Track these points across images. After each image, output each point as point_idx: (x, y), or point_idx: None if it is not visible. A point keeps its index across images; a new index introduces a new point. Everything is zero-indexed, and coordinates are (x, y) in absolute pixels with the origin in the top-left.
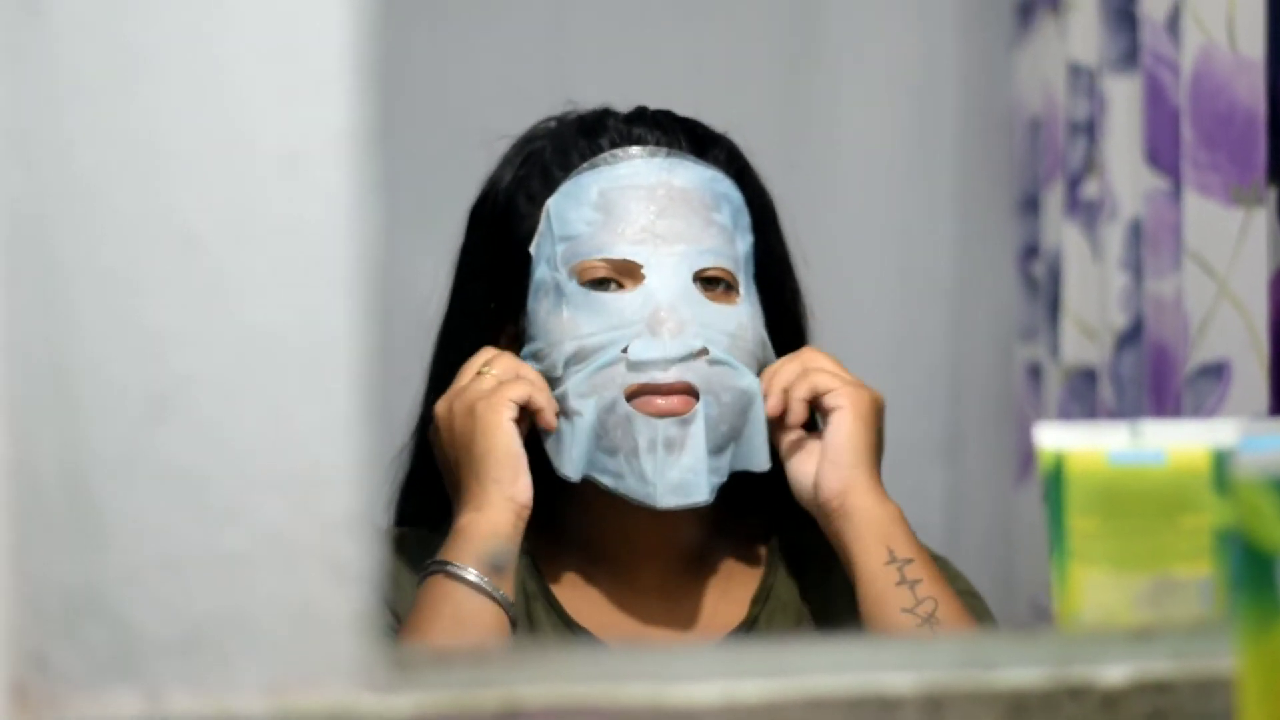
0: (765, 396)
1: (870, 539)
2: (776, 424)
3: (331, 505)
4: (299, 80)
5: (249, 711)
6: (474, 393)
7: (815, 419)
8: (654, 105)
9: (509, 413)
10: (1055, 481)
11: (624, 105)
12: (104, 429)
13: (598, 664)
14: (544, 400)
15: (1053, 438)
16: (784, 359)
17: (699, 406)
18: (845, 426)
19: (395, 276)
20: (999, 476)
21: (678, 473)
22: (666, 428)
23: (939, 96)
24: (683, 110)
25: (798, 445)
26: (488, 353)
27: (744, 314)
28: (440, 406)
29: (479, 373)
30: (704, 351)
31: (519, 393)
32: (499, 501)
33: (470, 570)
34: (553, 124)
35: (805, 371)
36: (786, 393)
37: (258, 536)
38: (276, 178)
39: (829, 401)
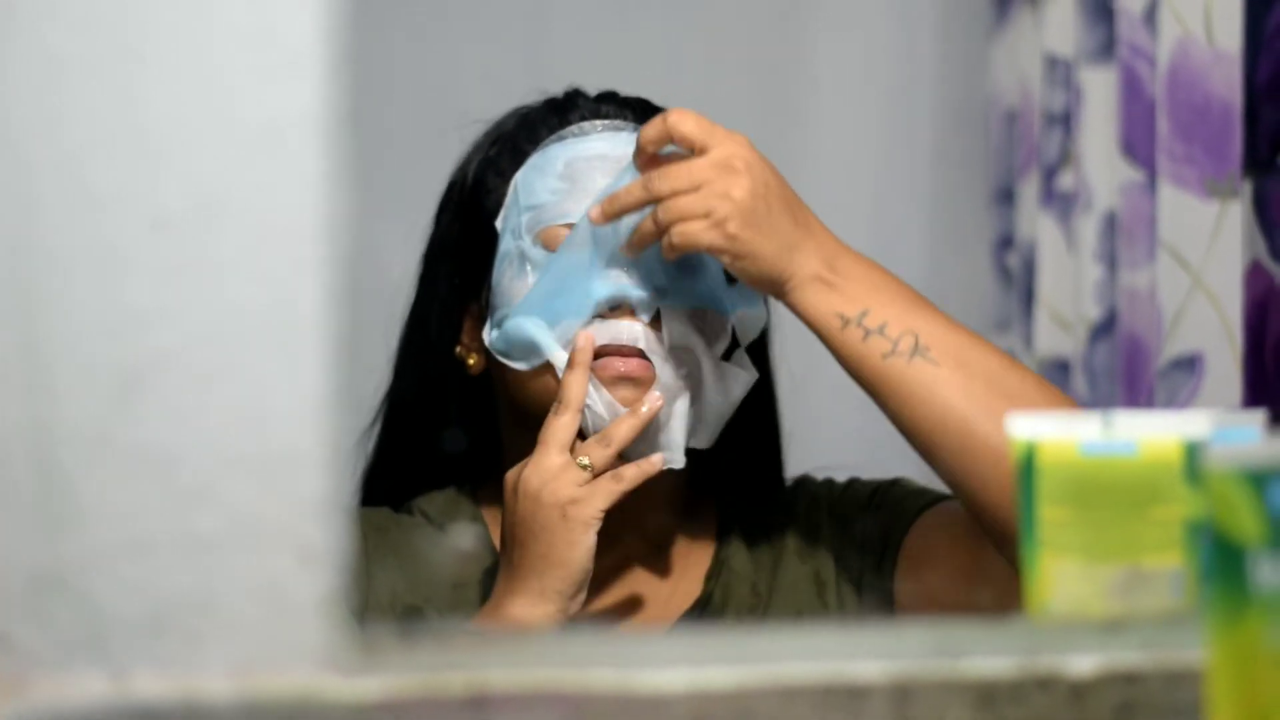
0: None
1: (817, 313)
2: None
3: (301, 488)
4: (273, 61)
5: (215, 693)
6: (567, 491)
7: None
8: (632, 94)
9: (596, 527)
10: (1026, 471)
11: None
12: (73, 408)
13: (565, 649)
14: (632, 477)
15: (1025, 428)
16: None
17: (655, 386)
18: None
19: (366, 261)
20: None
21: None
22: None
23: (915, 87)
24: (660, 100)
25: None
26: (567, 423)
27: (701, 282)
28: (529, 480)
29: (574, 457)
30: (660, 295)
31: (610, 498)
32: (551, 611)
33: None
34: (526, 109)
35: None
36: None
37: (226, 518)
38: (248, 156)
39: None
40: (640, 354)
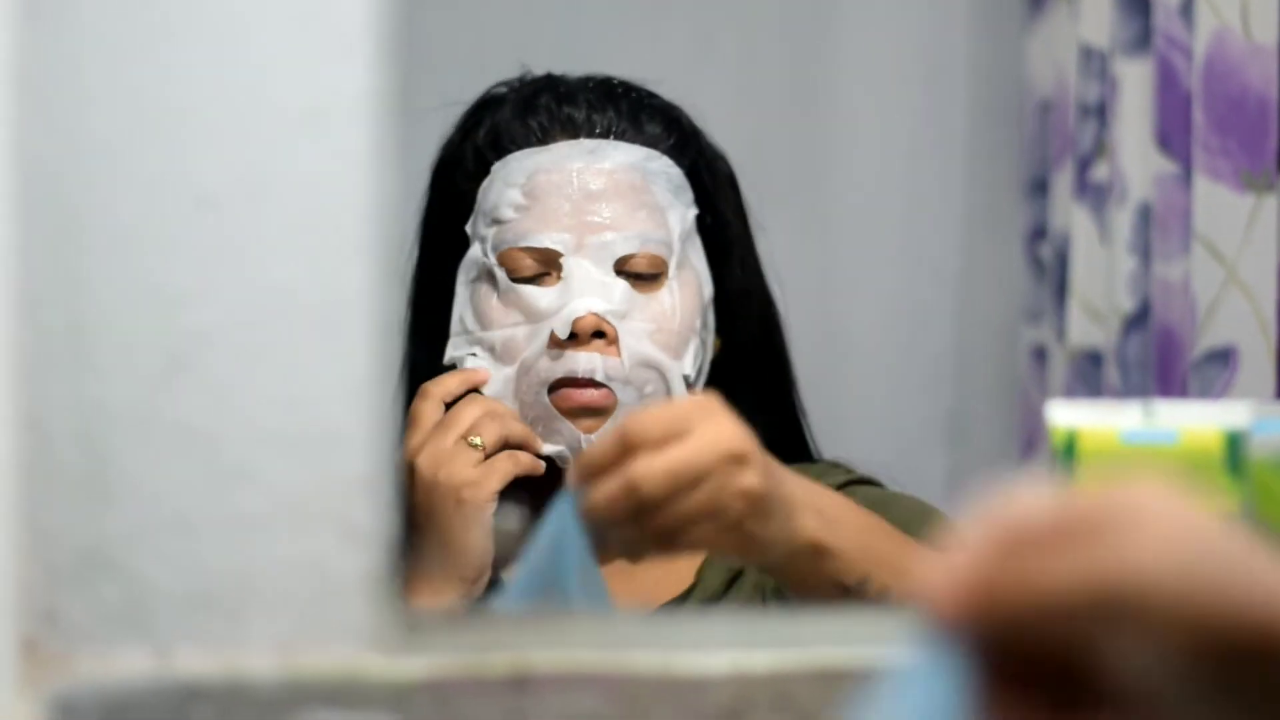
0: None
1: (815, 587)
2: None
3: (345, 466)
4: (320, 40)
5: (258, 670)
6: (461, 474)
7: None
8: (665, 87)
9: (492, 507)
10: (1066, 459)
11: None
12: (118, 387)
13: (608, 631)
14: (529, 463)
15: (1065, 415)
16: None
17: (616, 411)
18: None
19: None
20: (1002, 458)
21: None
22: (589, 440)
23: (949, 77)
24: (695, 96)
25: None
26: (471, 410)
27: (669, 299)
28: (424, 466)
29: (465, 439)
30: (614, 347)
31: (504, 478)
32: (455, 596)
33: None
34: (503, 89)
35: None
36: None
37: (270, 496)
38: (295, 137)
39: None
40: (597, 384)
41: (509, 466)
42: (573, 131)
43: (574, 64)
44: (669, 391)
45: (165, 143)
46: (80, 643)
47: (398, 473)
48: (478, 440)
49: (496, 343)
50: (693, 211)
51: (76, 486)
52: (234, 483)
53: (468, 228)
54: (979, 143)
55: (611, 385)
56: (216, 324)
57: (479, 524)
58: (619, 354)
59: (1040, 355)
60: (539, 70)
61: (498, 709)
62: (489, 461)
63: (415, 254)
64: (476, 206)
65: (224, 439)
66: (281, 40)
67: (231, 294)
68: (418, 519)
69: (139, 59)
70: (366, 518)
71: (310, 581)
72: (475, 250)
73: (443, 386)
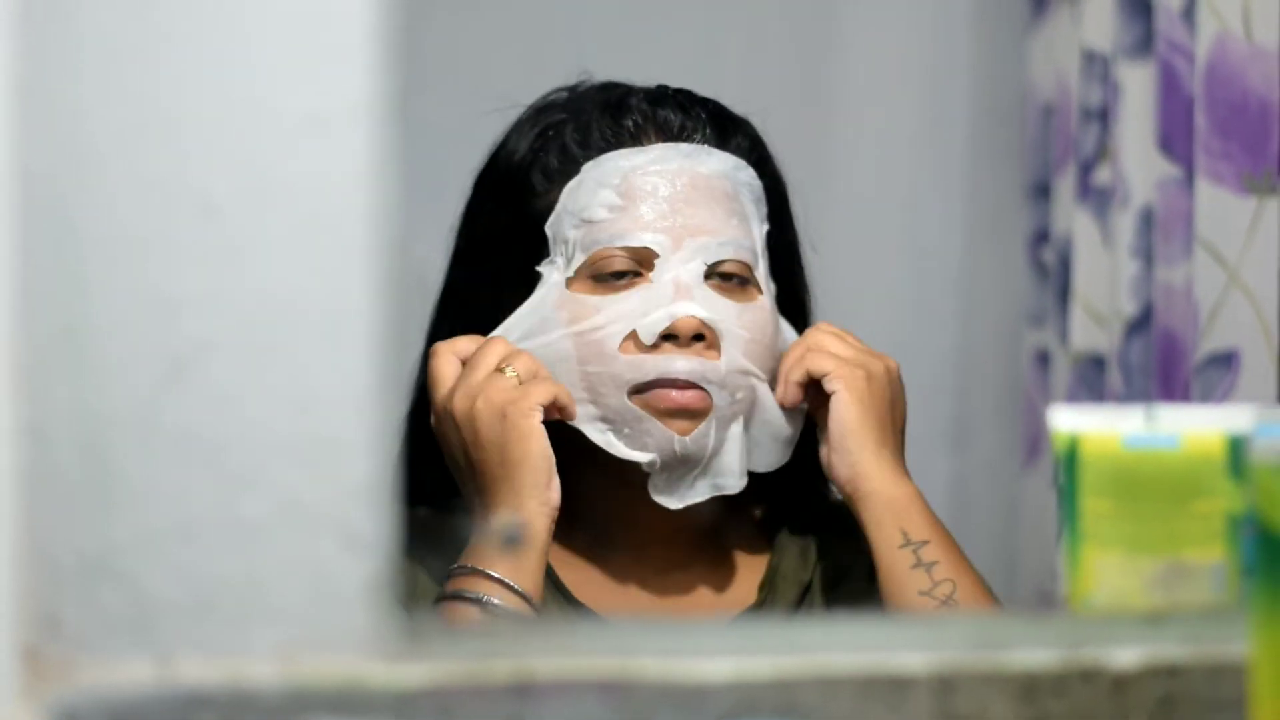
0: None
1: (884, 522)
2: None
3: (348, 473)
4: (321, 45)
5: (261, 677)
6: (500, 395)
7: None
8: (678, 88)
9: (539, 416)
10: (1069, 463)
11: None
12: (120, 393)
13: (610, 638)
14: (566, 398)
15: (1068, 420)
16: (795, 342)
17: (711, 414)
18: (842, 410)
19: (407, 246)
20: (1006, 462)
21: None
22: (682, 442)
23: (952, 81)
24: (699, 92)
25: (817, 431)
26: (499, 346)
27: (758, 307)
28: (460, 403)
29: (499, 370)
30: (714, 351)
31: (546, 395)
32: (534, 508)
33: (504, 575)
34: (565, 94)
35: (804, 353)
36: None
37: (273, 503)
38: (296, 143)
39: (826, 385)
40: (695, 385)
41: (549, 387)
42: (669, 134)
43: (579, 66)
44: (756, 400)
45: (166, 148)
46: (82, 650)
47: (441, 425)
48: (512, 372)
49: (581, 342)
50: (766, 226)
51: (78, 493)
52: (235, 489)
53: (547, 228)
54: (981, 146)
55: (709, 388)
56: (218, 330)
57: (532, 433)
58: (718, 358)
59: (1043, 359)
60: (549, 80)
61: (500, 716)
62: (529, 381)
63: (453, 258)
64: (559, 206)
65: (226, 445)
66: (282, 45)
67: (233, 300)
68: (468, 459)
69: (138, 64)
70: (368, 524)
71: (312, 588)
72: (558, 250)
73: (454, 344)
